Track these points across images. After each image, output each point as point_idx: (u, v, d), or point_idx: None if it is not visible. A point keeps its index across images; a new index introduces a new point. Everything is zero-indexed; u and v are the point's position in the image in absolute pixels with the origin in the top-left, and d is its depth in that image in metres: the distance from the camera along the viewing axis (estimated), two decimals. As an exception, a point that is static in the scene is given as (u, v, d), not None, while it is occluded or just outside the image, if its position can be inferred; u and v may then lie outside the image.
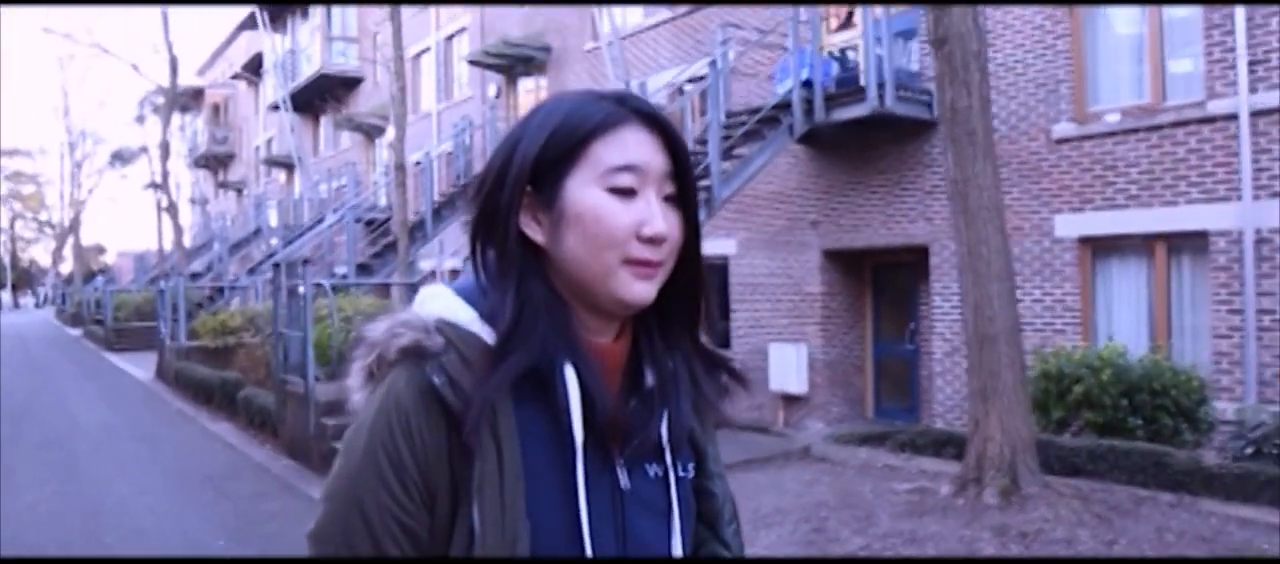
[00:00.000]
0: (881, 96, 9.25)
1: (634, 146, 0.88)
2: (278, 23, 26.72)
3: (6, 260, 61.16)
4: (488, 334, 0.87)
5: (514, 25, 17.19)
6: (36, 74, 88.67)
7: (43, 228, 61.55)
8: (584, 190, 0.87)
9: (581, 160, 0.88)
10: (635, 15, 14.44)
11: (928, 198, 9.99)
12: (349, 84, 24.41)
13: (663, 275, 0.90)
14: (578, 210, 0.87)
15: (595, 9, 14.18)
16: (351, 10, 24.19)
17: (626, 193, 0.88)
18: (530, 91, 17.31)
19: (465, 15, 19.29)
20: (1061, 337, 8.54)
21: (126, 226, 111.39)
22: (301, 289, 7.28)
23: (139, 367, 16.52)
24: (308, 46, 25.56)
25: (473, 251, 0.93)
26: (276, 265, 8.15)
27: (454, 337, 0.86)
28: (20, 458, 8.22)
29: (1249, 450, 5.31)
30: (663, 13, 13.66)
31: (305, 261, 7.91)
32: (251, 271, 18.04)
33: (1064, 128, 8.80)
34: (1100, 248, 8.75)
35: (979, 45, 5.13)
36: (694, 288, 0.96)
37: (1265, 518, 4.75)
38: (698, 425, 0.98)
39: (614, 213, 0.87)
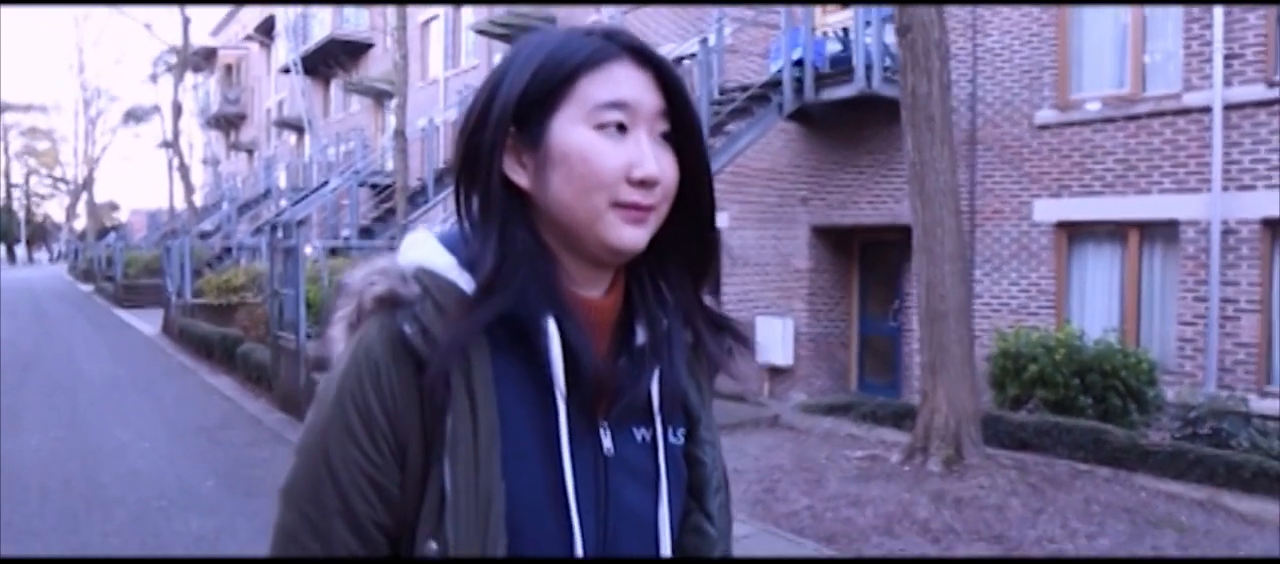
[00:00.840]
0: (868, 78, 9.45)
1: (624, 82, 0.83)
2: (289, -14, 26.95)
3: (21, 216, 61.79)
4: (467, 282, 0.83)
5: (520, -5, 17.38)
6: (52, 30, 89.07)
7: (57, 184, 62.17)
8: (570, 129, 0.82)
9: (568, 97, 0.83)
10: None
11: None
12: (359, 49, 24.63)
13: (655, 221, 0.85)
14: (563, 150, 0.82)
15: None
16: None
17: (616, 131, 0.83)
18: (535, 62, 17.54)
19: (472, -17, 19.46)
20: (1036, 319, 8.78)
21: (140, 184, 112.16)
22: (309, 249, 7.59)
23: (146, 322, 16.90)
24: (318, 11, 25.80)
25: (456, 197, 0.88)
26: (273, 227, 8.44)
27: (431, 285, 0.82)
28: (26, 404, 8.58)
29: (1186, 431, 5.56)
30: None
31: (299, 223, 8.18)
32: (257, 232, 18.34)
33: (1046, 114, 8.98)
34: (1076, 233, 8.96)
35: (940, 34, 5.34)
36: (696, 238, 0.90)
37: (1190, 493, 5.01)
38: (693, 389, 0.93)
39: (602, 153, 0.82)
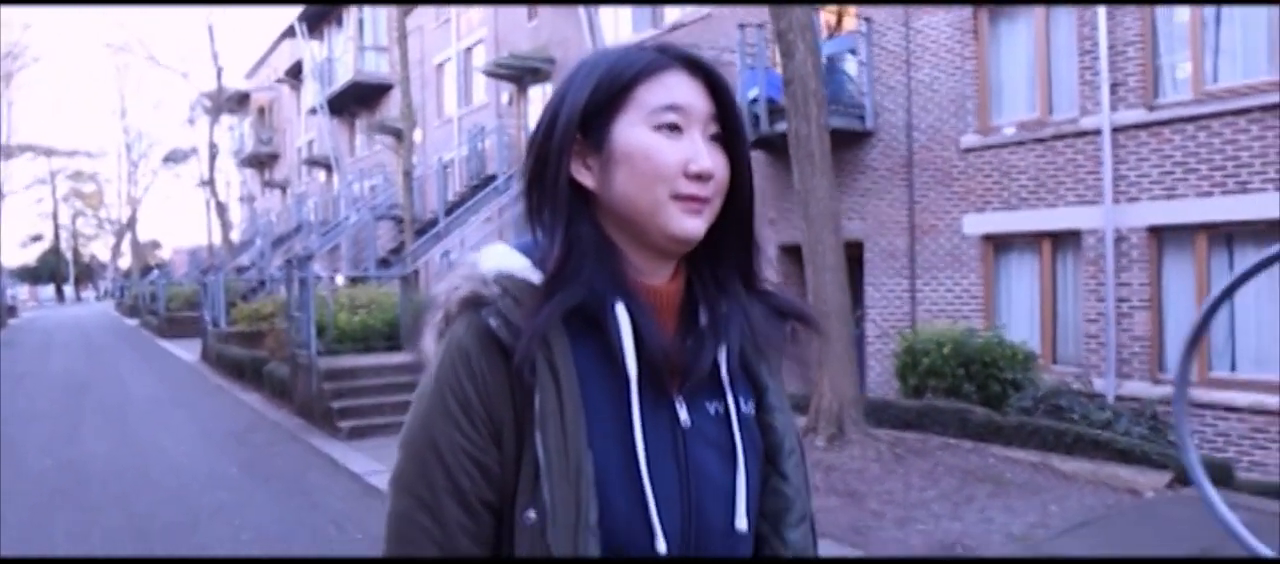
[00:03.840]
0: (813, 112, 10.58)
1: (677, 88, 0.91)
2: (315, 31, 28.52)
3: (69, 256, 64.17)
4: (539, 279, 0.89)
5: (523, 39, 18.73)
6: (96, 80, 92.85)
7: (102, 225, 64.23)
8: (632, 130, 0.90)
9: (628, 104, 0.91)
10: (626, 30, 15.89)
11: (862, 199, 11.30)
12: (380, 90, 26.10)
13: (711, 212, 0.92)
14: (627, 149, 0.90)
15: (589, 28, 15.60)
16: (382, 22, 25.91)
17: (672, 132, 0.90)
18: (538, 98, 18.87)
19: (482, 28, 20.85)
20: (968, 320, 9.81)
21: (180, 223, 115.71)
22: (339, 279, 8.83)
23: (187, 351, 18.36)
24: (342, 54, 27.34)
25: (527, 205, 0.95)
26: (288, 261, 9.78)
27: (509, 284, 0.89)
28: (84, 420, 9.95)
29: (1035, 408, 6.62)
30: (650, 30, 15.10)
31: (309, 258, 9.50)
32: (287, 264, 19.80)
33: (970, 138, 10.07)
34: (999, 244, 10.01)
35: (816, 85, 6.47)
36: (744, 229, 0.98)
37: (1028, 457, 6.06)
38: (758, 362, 1.00)
39: (661, 150, 0.89)
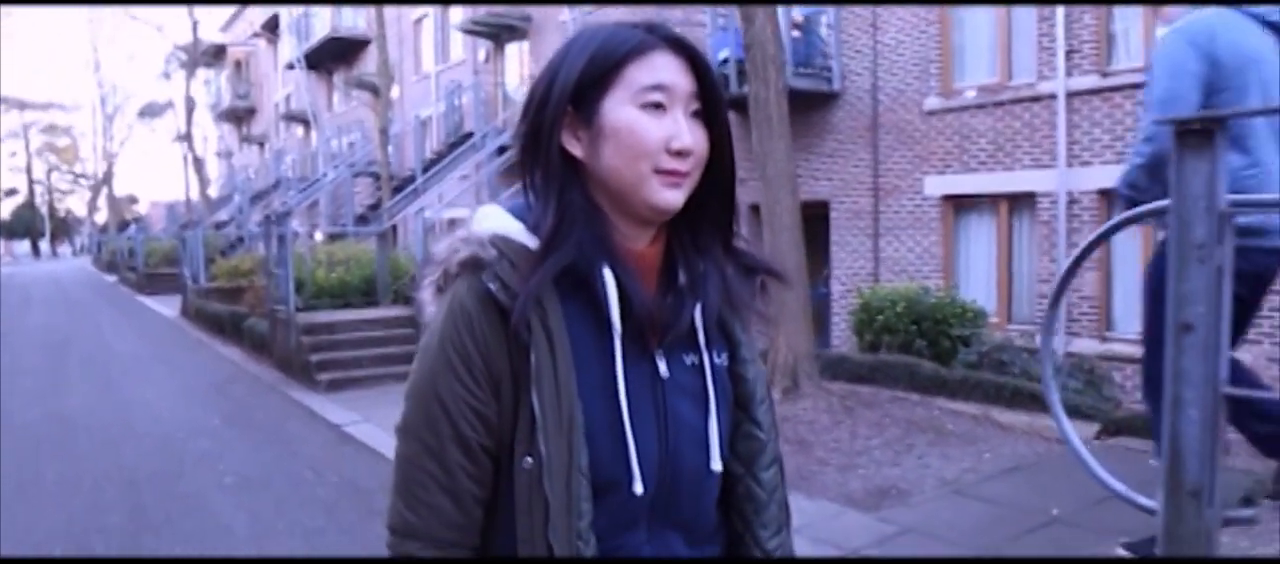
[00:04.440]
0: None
1: (663, 69, 0.98)
2: (292, -14, 28.32)
3: (44, 211, 63.59)
4: (534, 243, 0.97)
5: (500, -5, 18.75)
6: (67, 30, 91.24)
7: (78, 179, 63.71)
8: (620, 108, 0.97)
9: (617, 81, 0.97)
10: (602, -10, 15.97)
11: (829, 161, 11.58)
12: (358, 45, 25.96)
13: (690, 185, 1.00)
14: (614, 125, 0.97)
15: (564, -15, 15.66)
16: (359, -25, 25.72)
17: (657, 109, 0.97)
18: (515, 55, 18.93)
19: (459, -16, 20.81)
20: (929, 280, 10.16)
21: (157, 178, 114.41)
22: (318, 236, 9.04)
23: (166, 307, 18.46)
24: (319, 9, 27.17)
25: (521, 172, 1.03)
26: (267, 217, 9.98)
27: (505, 248, 0.97)
28: (66, 374, 10.17)
29: (980, 363, 7.00)
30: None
31: (287, 215, 9.71)
32: (266, 221, 19.90)
33: (933, 101, 10.34)
34: (960, 205, 10.34)
35: (774, 50, 6.72)
36: (722, 196, 1.05)
37: (970, 410, 6.42)
38: (731, 317, 1.08)
39: (646, 127, 0.96)
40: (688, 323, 1.02)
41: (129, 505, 5.17)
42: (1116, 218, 2.42)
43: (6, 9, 56.17)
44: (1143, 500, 2.26)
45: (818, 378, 6.76)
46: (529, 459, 0.94)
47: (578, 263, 0.96)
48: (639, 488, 0.96)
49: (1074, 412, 6.14)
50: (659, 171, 0.97)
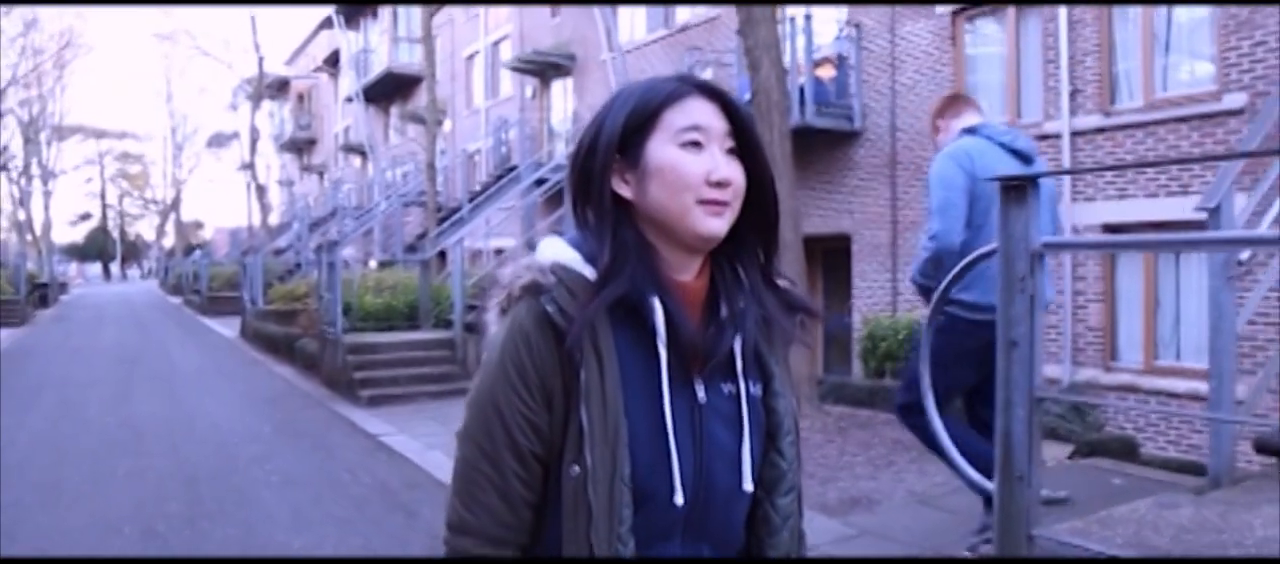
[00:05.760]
0: (803, 111, 11.34)
1: (697, 111, 1.08)
2: (352, 23, 29.59)
3: (116, 234, 66.23)
4: (590, 272, 1.06)
5: (546, 35, 19.62)
6: (141, 63, 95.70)
7: (148, 205, 65.92)
8: (662, 149, 1.07)
9: (657, 126, 1.08)
10: (640, 31, 16.72)
11: (851, 196, 12.06)
12: (412, 81, 27.02)
13: (731, 215, 1.08)
14: (658, 164, 1.06)
15: (606, 29, 16.44)
16: (415, 15, 26.89)
17: (695, 147, 1.06)
18: (560, 92, 19.76)
19: (508, 23, 21.74)
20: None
21: (222, 204, 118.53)
22: (372, 263, 9.78)
23: (227, 328, 19.49)
24: (377, 46, 28.39)
25: (574, 210, 1.13)
26: (319, 246, 10.80)
27: (564, 276, 1.05)
28: (135, 387, 11.05)
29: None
30: (662, 30, 15.92)
31: (334, 244, 10.51)
32: (317, 249, 20.95)
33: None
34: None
35: (779, 97, 7.29)
36: (763, 228, 1.13)
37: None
38: (768, 351, 1.15)
39: (687, 163, 1.06)
40: (727, 353, 1.09)
41: (188, 497, 5.87)
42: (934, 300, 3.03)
43: (89, 52, 58.98)
44: (987, 485, 2.77)
45: (817, 401, 7.25)
46: (576, 468, 1.02)
47: (630, 293, 1.04)
48: (680, 498, 1.04)
49: (1052, 434, 6.56)
50: (702, 202, 1.06)
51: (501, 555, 1.06)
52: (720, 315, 1.10)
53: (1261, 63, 8.06)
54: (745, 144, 1.10)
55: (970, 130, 3.65)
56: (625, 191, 1.09)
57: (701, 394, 1.08)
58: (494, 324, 1.10)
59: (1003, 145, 3.55)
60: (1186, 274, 8.81)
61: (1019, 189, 2.64)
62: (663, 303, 1.05)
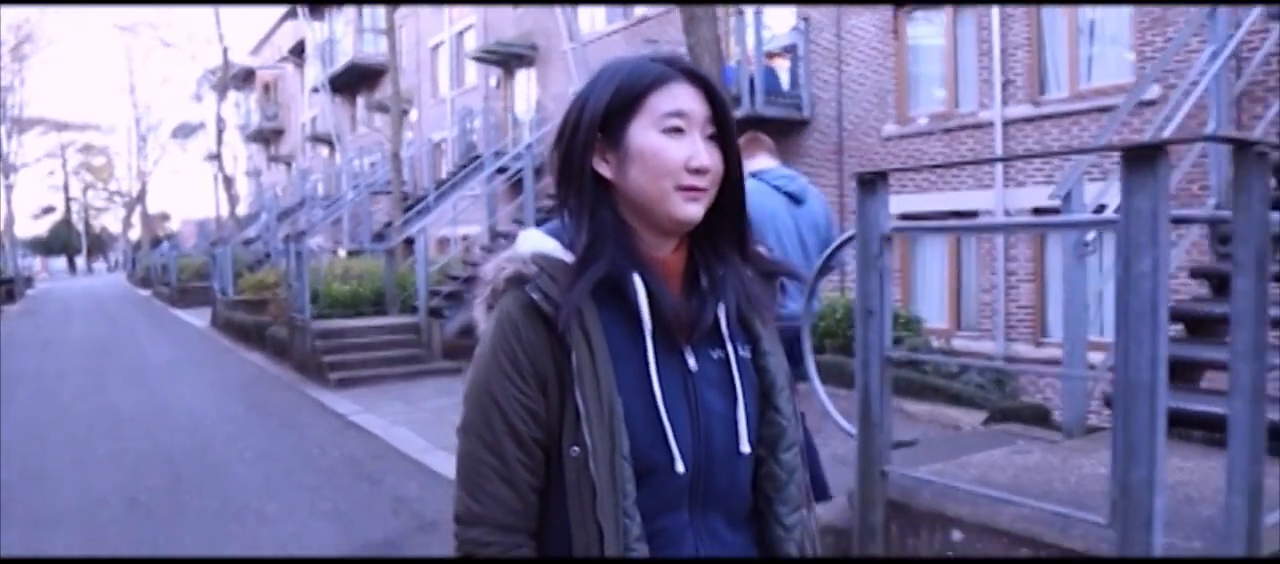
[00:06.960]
0: (753, 101, 11.83)
1: (681, 97, 1.08)
2: (316, 13, 29.52)
3: (80, 227, 65.54)
4: (570, 258, 1.07)
5: (509, 26, 19.94)
6: (104, 53, 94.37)
7: (113, 197, 65.37)
8: (644, 133, 1.07)
9: (641, 109, 1.07)
10: (600, 22, 17.12)
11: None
12: (378, 71, 27.14)
13: (707, 199, 1.09)
14: (640, 148, 1.07)
15: (564, 20, 16.81)
16: (380, 5, 27.00)
17: (677, 133, 1.06)
18: (524, 82, 20.11)
19: (472, 15, 22.03)
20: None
21: (189, 196, 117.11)
22: (341, 252, 10.13)
23: (197, 318, 19.71)
24: (342, 36, 28.45)
25: (557, 193, 1.14)
26: (287, 236, 11.16)
27: (545, 264, 1.07)
28: (110, 377, 11.34)
29: (901, 363, 7.99)
30: (620, 22, 16.33)
31: (302, 234, 10.88)
32: (286, 239, 21.16)
33: (890, 128, 11.32)
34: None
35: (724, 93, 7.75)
36: (736, 209, 1.14)
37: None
38: (752, 314, 1.17)
39: (668, 149, 1.06)
40: (712, 320, 1.11)
41: (168, 474, 6.27)
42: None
43: (50, 45, 58.31)
44: (850, 428, 3.27)
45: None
46: (576, 448, 1.04)
47: (611, 273, 1.06)
48: (680, 467, 1.05)
49: (969, 403, 7.12)
50: (680, 188, 1.06)
51: (511, 550, 1.07)
52: (701, 286, 1.13)
53: (1174, 56, 8.64)
54: (723, 131, 1.11)
55: (754, 174, 3.84)
56: (605, 172, 1.11)
57: (692, 363, 1.10)
58: (483, 321, 1.12)
59: (777, 188, 3.86)
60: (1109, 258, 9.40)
61: (871, 184, 3.16)
62: (643, 278, 1.07)
